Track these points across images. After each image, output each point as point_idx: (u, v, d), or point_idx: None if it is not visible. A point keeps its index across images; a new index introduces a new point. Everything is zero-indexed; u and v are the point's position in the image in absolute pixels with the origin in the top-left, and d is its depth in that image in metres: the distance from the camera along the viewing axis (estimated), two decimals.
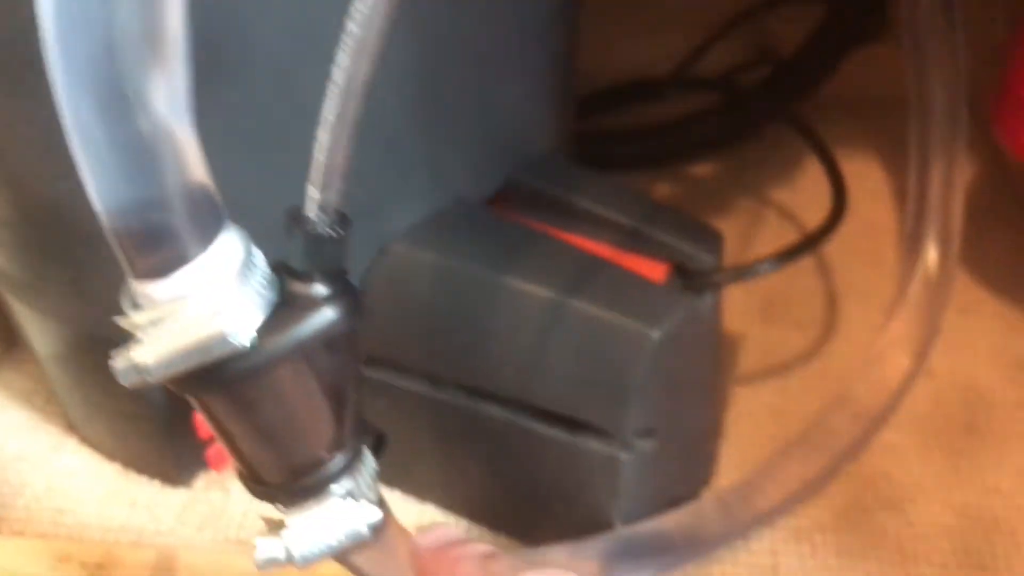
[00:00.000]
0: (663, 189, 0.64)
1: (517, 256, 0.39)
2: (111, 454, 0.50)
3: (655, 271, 0.39)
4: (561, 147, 0.48)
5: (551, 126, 0.46)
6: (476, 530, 0.45)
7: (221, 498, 0.48)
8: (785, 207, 0.61)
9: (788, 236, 0.57)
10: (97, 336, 0.45)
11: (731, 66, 0.63)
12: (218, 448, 0.45)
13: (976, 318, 0.54)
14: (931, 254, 0.49)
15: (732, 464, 0.47)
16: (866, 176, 0.63)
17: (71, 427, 0.51)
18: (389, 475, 0.47)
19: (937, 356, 0.49)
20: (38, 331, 0.46)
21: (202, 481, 0.48)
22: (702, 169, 0.64)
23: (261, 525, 0.26)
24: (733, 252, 0.46)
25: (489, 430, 0.41)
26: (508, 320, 0.39)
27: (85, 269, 0.39)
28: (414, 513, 0.46)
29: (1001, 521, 0.44)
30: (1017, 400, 0.50)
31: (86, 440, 0.51)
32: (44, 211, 0.37)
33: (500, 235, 0.40)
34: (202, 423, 0.43)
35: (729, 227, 0.60)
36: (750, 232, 0.59)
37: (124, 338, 0.23)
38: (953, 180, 0.50)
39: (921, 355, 0.48)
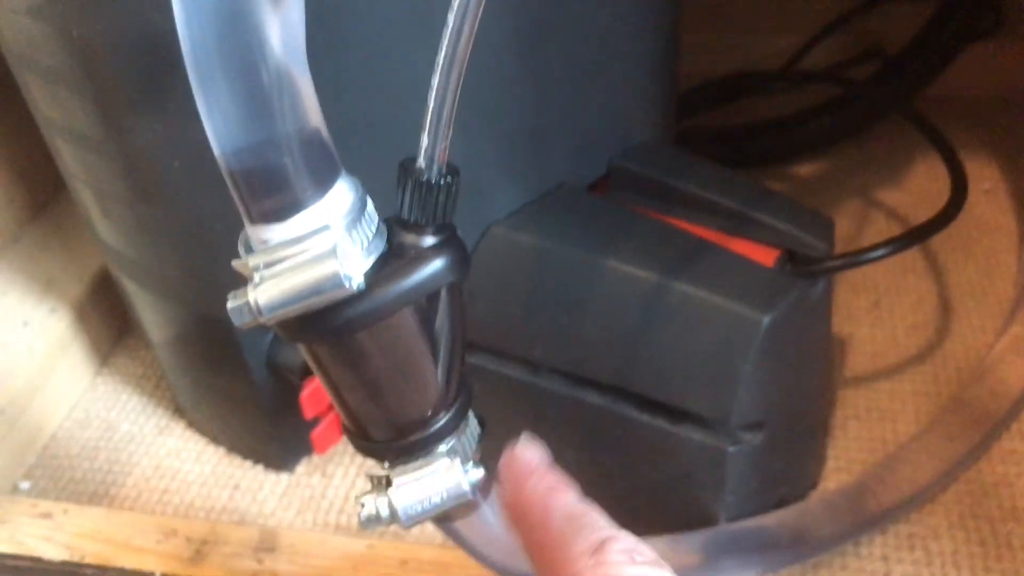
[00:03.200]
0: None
1: (620, 239, 0.39)
2: (216, 438, 0.51)
3: (764, 256, 0.38)
4: (664, 138, 0.48)
5: (654, 114, 0.46)
6: None
7: (321, 483, 0.48)
8: (894, 207, 0.59)
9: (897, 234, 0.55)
10: (209, 317, 0.46)
11: (838, 63, 0.61)
12: (323, 430, 0.46)
13: None
14: None
15: (840, 467, 0.45)
16: (981, 177, 0.60)
17: (179, 411, 0.53)
18: (487, 464, 0.47)
19: None
20: (151, 313, 0.48)
21: (304, 467, 0.49)
22: (807, 168, 0.62)
23: (360, 508, 0.26)
24: (841, 251, 0.45)
25: (587, 418, 0.41)
26: (609, 304, 0.38)
27: (200, 249, 0.40)
28: None
29: None
30: None
31: (193, 424, 0.52)
32: (160, 189, 0.38)
33: (603, 218, 0.40)
34: (308, 403, 0.44)
35: (837, 226, 0.58)
36: (858, 232, 0.57)
37: (238, 296, 0.23)
38: None
39: None
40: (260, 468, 0.49)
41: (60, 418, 0.53)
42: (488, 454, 0.42)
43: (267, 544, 0.41)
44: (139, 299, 0.47)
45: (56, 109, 0.39)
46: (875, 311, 0.53)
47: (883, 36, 0.64)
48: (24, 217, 0.56)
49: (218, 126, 0.21)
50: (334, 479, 0.48)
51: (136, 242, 0.43)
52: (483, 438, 0.31)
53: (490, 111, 0.38)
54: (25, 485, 0.49)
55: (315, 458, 0.49)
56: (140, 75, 0.35)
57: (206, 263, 0.41)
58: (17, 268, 0.54)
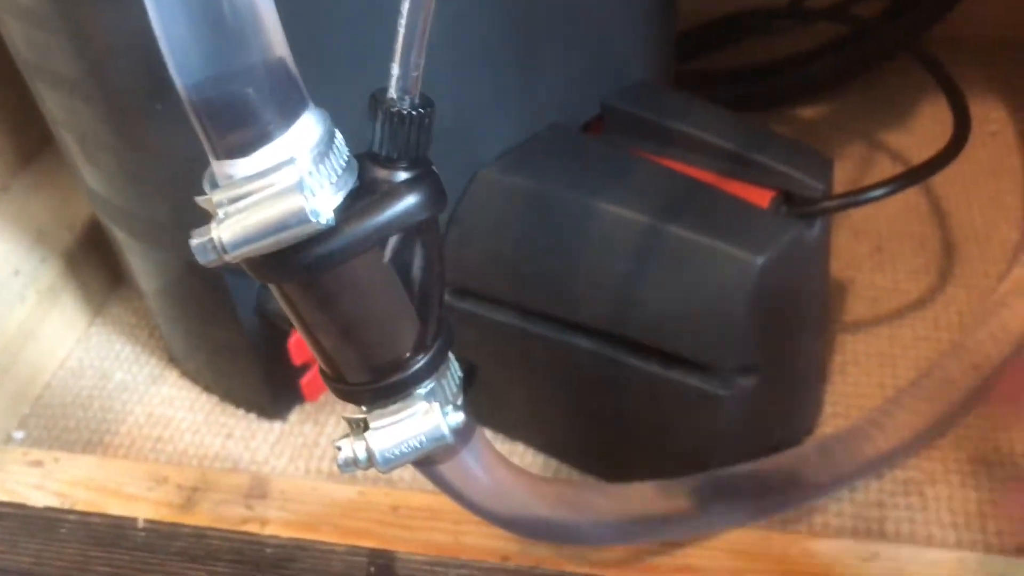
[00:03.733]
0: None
1: (612, 180, 0.38)
2: (209, 387, 0.51)
3: (760, 197, 0.37)
4: (662, 78, 0.46)
5: (651, 53, 0.45)
6: (565, 470, 0.44)
7: (314, 431, 0.48)
8: (899, 149, 0.58)
9: None
10: (198, 265, 0.45)
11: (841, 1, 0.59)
12: (313, 377, 0.46)
13: None
14: None
15: (837, 412, 0.45)
16: (987, 119, 0.59)
17: (172, 360, 0.53)
18: (479, 413, 0.46)
19: None
20: (142, 262, 0.47)
21: (296, 415, 0.49)
22: (811, 111, 0.61)
23: (337, 452, 0.26)
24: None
25: (580, 364, 0.40)
26: (601, 247, 0.37)
27: (187, 195, 0.39)
28: (503, 452, 0.45)
29: None
30: None
31: (186, 373, 0.52)
32: (145, 134, 0.38)
33: (595, 160, 0.39)
34: (296, 349, 0.43)
35: (840, 169, 0.57)
36: (862, 175, 0.56)
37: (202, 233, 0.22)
38: None
39: None
40: (253, 417, 0.49)
41: (54, 368, 0.53)
42: (478, 403, 0.42)
43: (258, 491, 0.41)
44: (128, 248, 0.47)
45: (34, 51, 0.38)
46: (877, 256, 0.52)
47: None
48: (13, 166, 0.55)
49: (178, 57, 0.20)
50: (327, 427, 0.48)
51: (122, 189, 0.42)
52: (472, 383, 0.30)
53: (478, 47, 0.37)
54: (19, 435, 0.49)
55: (308, 406, 0.49)
56: (118, 14, 0.34)
57: (193, 209, 0.40)
58: (7, 218, 0.54)
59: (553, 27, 0.39)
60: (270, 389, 0.48)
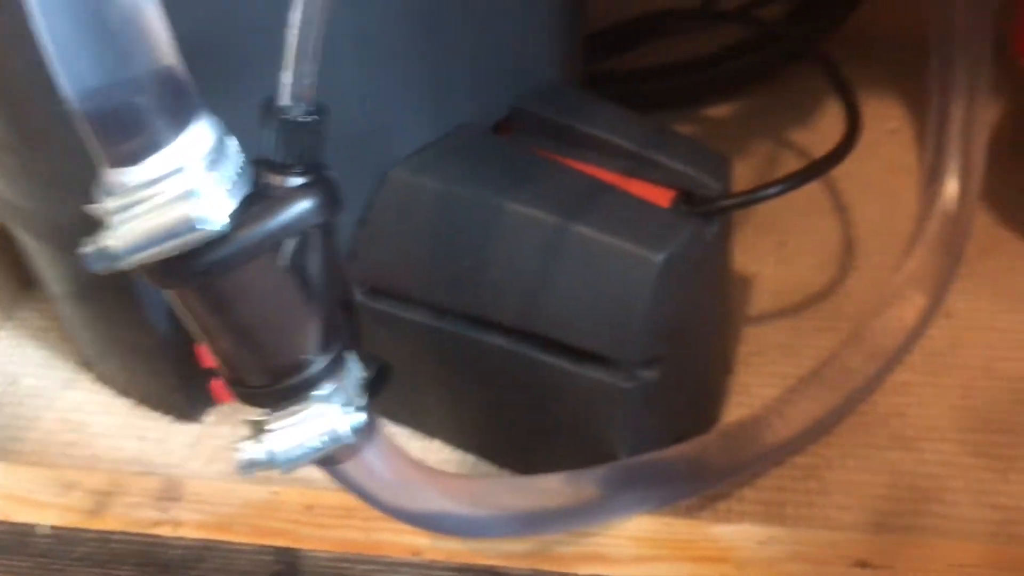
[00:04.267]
0: (679, 130, 0.62)
1: (520, 181, 0.39)
2: (124, 390, 0.50)
3: (661, 197, 0.39)
4: (570, 79, 0.47)
5: (558, 55, 0.45)
6: (482, 466, 0.45)
7: (231, 433, 0.48)
8: (803, 147, 0.60)
9: None
10: None
11: (755, 1, 0.61)
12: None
13: (997, 258, 0.53)
14: (950, 190, 0.48)
15: (742, 402, 0.46)
16: (888, 116, 0.61)
17: (85, 364, 0.52)
18: (395, 411, 0.47)
19: (955, 296, 0.48)
20: (49, 266, 0.46)
21: (213, 417, 0.49)
22: (719, 111, 0.63)
23: (236, 454, 0.26)
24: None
25: (493, 361, 0.41)
26: (511, 246, 0.38)
27: (90, 197, 0.39)
28: (420, 450, 0.46)
29: (1016, 459, 0.43)
30: None
31: (100, 377, 0.51)
32: (45, 134, 0.37)
33: (503, 160, 0.40)
34: (204, 352, 0.43)
35: (747, 167, 0.59)
36: (768, 172, 0.58)
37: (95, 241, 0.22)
38: (975, 115, 0.48)
39: (938, 294, 0.47)
40: (169, 419, 0.49)
41: None
42: (393, 402, 0.42)
43: (171, 493, 0.41)
44: (35, 251, 0.46)
45: None
46: (781, 250, 0.54)
47: None
48: None
49: (65, 68, 0.21)
50: (244, 428, 0.48)
51: (24, 191, 0.41)
52: (386, 382, 0.31)
53: (385, 48, 0.37)
54: None
55: (225, 408, 0.49)
56: (6, 14, 0.33)
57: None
58: None
59: (461, 29, 0.40)
60: (185, 391, 0.48)
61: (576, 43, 0.48)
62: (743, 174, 0.58)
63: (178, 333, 0.45)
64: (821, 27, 0.61)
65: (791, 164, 0.59)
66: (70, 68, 0.20)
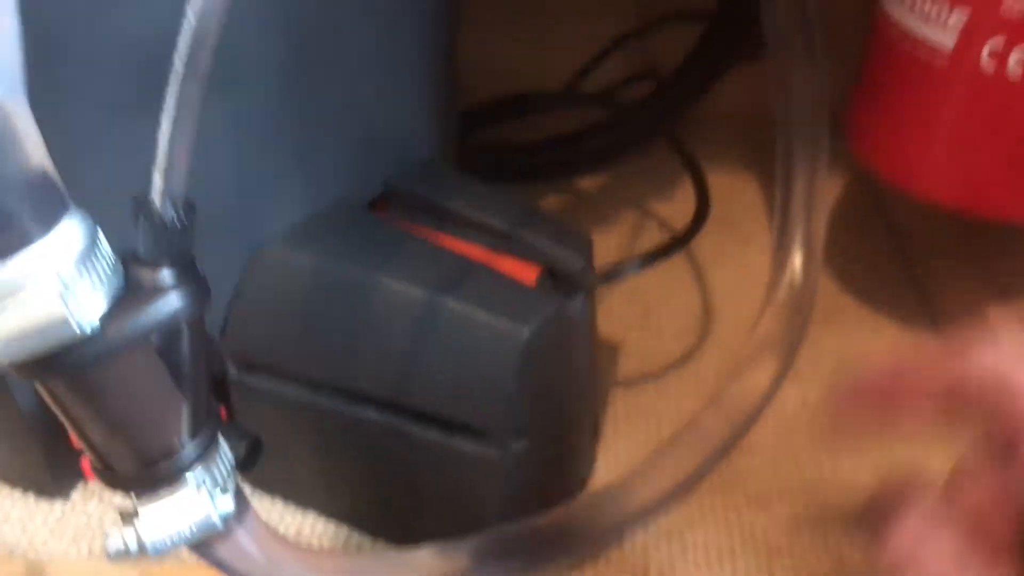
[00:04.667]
0: (550, 201, 0.65)
1: (392, 258, 0.40)
2: None
3: (527, 273, 0.40)
4: (444, 155, 0.49)
5: (432, 133, 0.47)
6: (356, 537, 0.45)
7: (98, 510, 0.47)
8: (664, 218, 0.64)
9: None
10: None
11: (615, 82, 0.65)
12: None
13: (841, 322, 0.57)
14: (796, 261, 0.52)
15: (611, 465, 0.48)
16: (741, 190, 0.66)
17: None
18: (270, 483, 0.47)
19: (803, 359, 0.51)
20: None
21: (79, 493, 0.48)
22: (588, 183, 0.66)
23: (106, 541, 0.26)
24: (614, 259, 0.48)
25: (367, 434, 0.42)
26: (383, 321, 0.39)
27: None
28: (295, 522, 0.46)
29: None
30: None
31: None
32: None
33: (376, 237, 0.41)
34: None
35: (611, 237, 0.62)
36: (631, 241, 0.61)
37: None
38: (815, 190, 0.53)
39: (788, 357, 0.50)
40: (31, 497, 0.47)
41: None
42: (268, 474, 0.42)
43: None
44: None
45: None
46: (645, 318, 0.57)
47: (660, 57, 0.68)
48: None
49: None
50: (111, 505, 0.47)
51: None
52: (259, 457, 0.31)
53: (257, 131, 0.38)
54: None
55: (92, 484, 0.48)
56: None
57: None
58: None
59: (333, 109, 0.41)
60: (50, 467, 0.46)
61: (451, 121, 0.50)
62: (608, 241, 0.61)
63: (42, 408, 0.44)
64: (670, 110, 0.65)
65: (653, 232, 0.63)
66: None
